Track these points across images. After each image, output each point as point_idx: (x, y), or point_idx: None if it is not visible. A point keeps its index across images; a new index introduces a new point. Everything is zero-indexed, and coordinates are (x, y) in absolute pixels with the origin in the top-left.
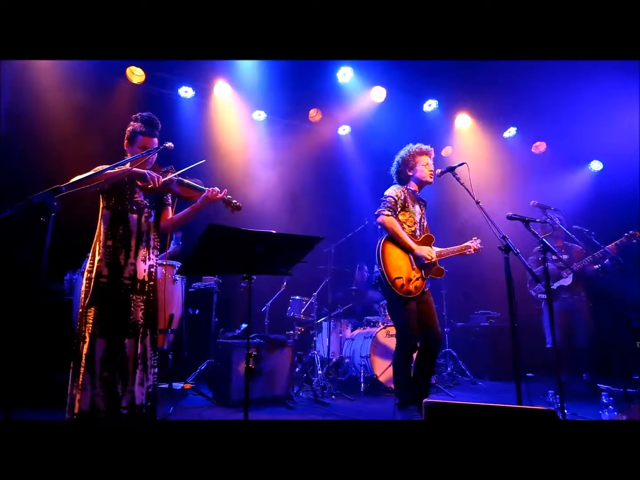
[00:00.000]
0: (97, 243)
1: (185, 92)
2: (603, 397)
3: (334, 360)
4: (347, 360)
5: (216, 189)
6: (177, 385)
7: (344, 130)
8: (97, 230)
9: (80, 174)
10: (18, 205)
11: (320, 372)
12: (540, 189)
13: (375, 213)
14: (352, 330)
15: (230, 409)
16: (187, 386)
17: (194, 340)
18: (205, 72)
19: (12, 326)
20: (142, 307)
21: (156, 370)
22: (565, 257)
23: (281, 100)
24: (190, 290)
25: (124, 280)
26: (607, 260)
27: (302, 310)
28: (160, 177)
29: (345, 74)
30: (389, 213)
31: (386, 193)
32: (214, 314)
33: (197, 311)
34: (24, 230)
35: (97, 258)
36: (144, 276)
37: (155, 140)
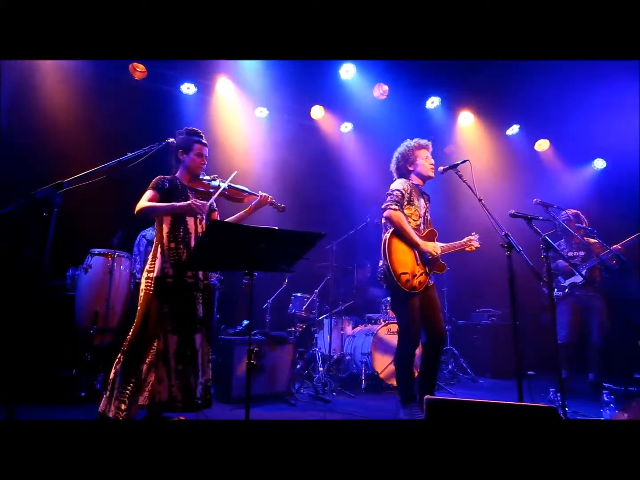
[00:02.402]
0: (159, 246)
1: (188, 88)
2: (604, 395)
3: (335, 357)
4: (348, 357)
5: (265, 193)
6: None
7: (346, 127)
8: (158, 234)
9: (83, 169)
10: (21, 200)
11: (321, 369)
12: (543, 187)
13: (382, 207)
14: (353, 328)
15: (231, 405)
16: None
17: None
18: (208, 69)
19: (15, 322)
20: (203, 303)
21: (211, 365)
22: (581, 253)
23: (283, 97)
24: None
25: (188, 279)
26: (614, 260)
27: (304, 307)
28: (205, 204)
29: (347, 71)
30: (397, 207)
31: (392, 187)
32: (216, 311)
33: None
34: (26, 226)
35: (160, 259)
36: (201, 275)
37: (207, 148)
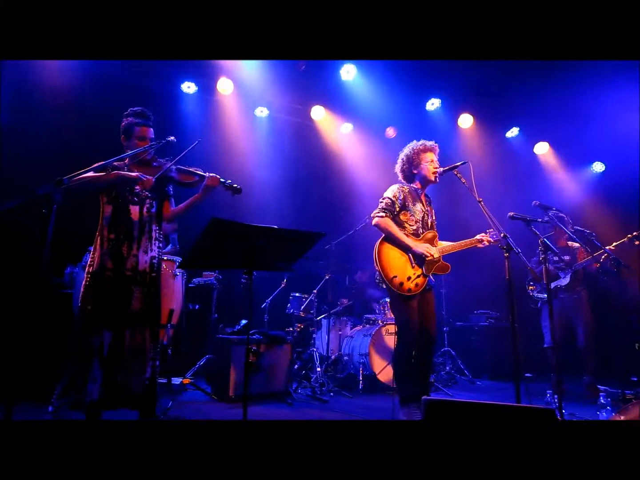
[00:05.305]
0: (99, 237)
1: (188, 87)
2: (601, 397)
3: (333, 357)
4: (346, 358)
5: (214, 174)
6: (176, 380)
7: (347, 128)
8: (99, 223)
9: (83, 167)
10: (21, 197)
11: (319, 369)
12: (542, 189)
13: (371, 215)
14: (351, 328)
15: (229, 404)
16: (186, 381)
17: (193, 335)
18: (208, 68)
19: (14, 320)
20: (141, 298)
21: (157, 363)
22: (567, 257)
23: (284, 97)
24: (190, 285)
25: (126, 272)
26: (607, 260)
27: (302, 307)
28: (152, 178)
29: (348, 72)
30: (383, 214)
31: (385, 194)
32: (214, 310)
33: (197, 306)
34: (26, 223)
35: (99, 251)
36: (145, 267)
37: (151, 130)
